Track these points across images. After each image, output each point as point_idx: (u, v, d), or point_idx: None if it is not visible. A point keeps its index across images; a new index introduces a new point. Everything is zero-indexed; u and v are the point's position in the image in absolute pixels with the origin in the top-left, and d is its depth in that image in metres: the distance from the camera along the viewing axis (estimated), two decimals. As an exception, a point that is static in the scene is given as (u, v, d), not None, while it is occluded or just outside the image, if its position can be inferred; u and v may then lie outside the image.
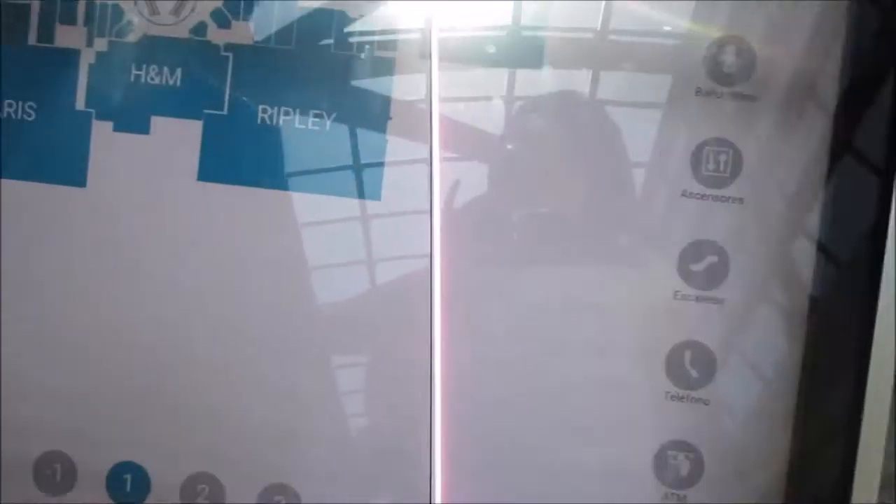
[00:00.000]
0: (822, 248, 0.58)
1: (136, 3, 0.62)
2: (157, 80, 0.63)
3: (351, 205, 0.61)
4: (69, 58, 0.63)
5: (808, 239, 0.58)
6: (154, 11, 0.62)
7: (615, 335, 0.60)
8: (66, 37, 0.63)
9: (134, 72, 0.63)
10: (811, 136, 0.58)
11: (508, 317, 0.61)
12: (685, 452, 0.59)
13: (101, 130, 0.63)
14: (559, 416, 0.61)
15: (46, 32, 0.63)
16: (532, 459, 0.61)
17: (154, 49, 0.62)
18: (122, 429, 0.64)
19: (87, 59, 0.63)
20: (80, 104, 0.63)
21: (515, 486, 0.61)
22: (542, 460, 0.61)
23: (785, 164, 0.58)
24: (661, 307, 0.59)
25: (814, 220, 0.58)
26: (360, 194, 0.61)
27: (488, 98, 0.60)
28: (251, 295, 0.63)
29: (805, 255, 0.58)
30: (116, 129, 0.63)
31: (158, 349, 0.64)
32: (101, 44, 0.63)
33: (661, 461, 0.60)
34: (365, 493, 0.62)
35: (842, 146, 0.57)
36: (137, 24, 0.62)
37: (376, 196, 0.61)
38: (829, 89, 0.58)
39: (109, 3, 0.62)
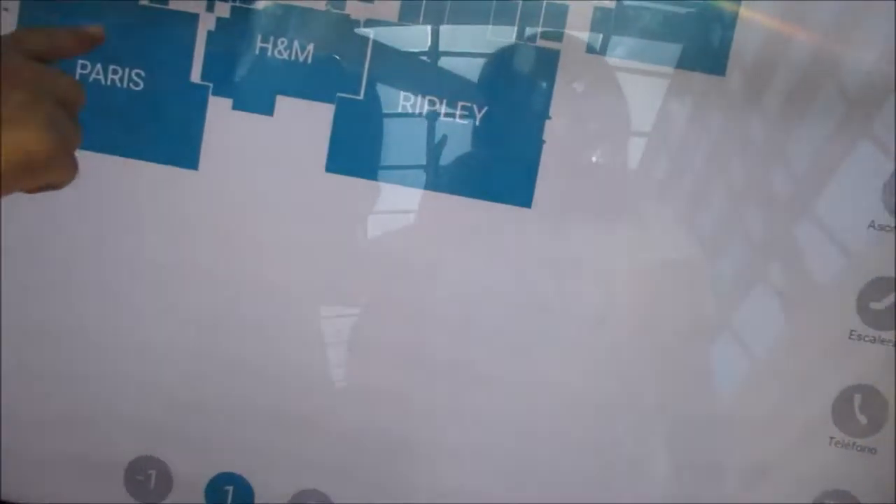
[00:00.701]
0: None
1: (266, -36, 0.55)
2: (285, 55, 0.55)
3: (497, 211, 0.55)
4: (186, 22, 0.55)
5: None
6: (286, -24, 0.55)
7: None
8: (182, 2, 0.55)
9: (259, 44, 0.55)
10: None
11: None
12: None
13: (219, 108, 0.56)
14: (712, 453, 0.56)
15: (161, -8, 0.56)
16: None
17: (285, 19, 0.55)
18: (224, 438, 0.59)
19: (206, 26, 0.55)
20: (196, 76, 0.56)
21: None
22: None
23: None
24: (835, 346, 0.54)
25: None
26: (510, 199, 0.55)
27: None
28: (371, 302, 0.58)
29: None
30: (236, 107, 0.56)
31: (265, 355, 0.58)
32: (223, 8, 0.55)
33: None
34: None
35: None
36: (267, -11, 0.55)
37: (527, 203, 0.55)
38: None
39: (235, -37, 0.55)
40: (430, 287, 0.57)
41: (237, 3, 0.55)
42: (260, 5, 0.55)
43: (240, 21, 0.55)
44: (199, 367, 0.59)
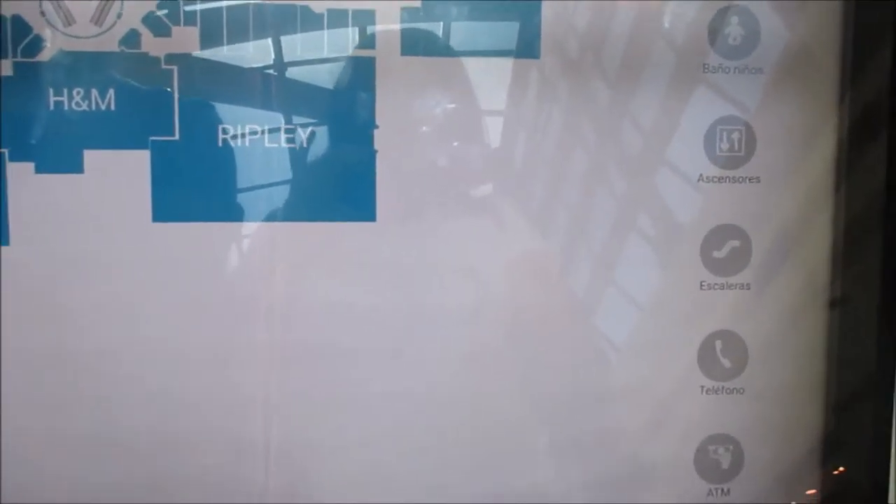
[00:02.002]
0: (846, 222, 0.56)
1: (42, 13, 0.50)
2: (84, 106, 0.51)
3: (343, 230, 0.53)
4: (-37, 87, 0.50)
5: (826, 212, 0.57)
6: (69, 21, 0.50)
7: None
8: (-44, 62, 0.50)
9: (53, 98, 0.51)
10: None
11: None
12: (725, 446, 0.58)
13: (20, 174, 0.51)
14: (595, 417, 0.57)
15: (-73, 58, 0.50)
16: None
17: (76, 68, 0.51)
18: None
19: (-12, 87, 0.51)
20: (-13, 144, 0.51)
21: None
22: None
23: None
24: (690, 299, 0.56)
25: (830, 194, 0.57)
26: (353, 215, 0.54)
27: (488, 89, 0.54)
28: (230, 347, 0.55)
29: (826, 230, 0.57)
30: (39, 170, 0.51)
31: (131, 430, 0.54)
32: (4, 66, 0.50)
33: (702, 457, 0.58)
34: None
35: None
36: (50, 38, 0.50)
37: (370, 216, 0.54)
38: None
39: (7, 15, 0.50)
40: (288, 322, 0.54)
41: (19, 59, 0.51)
42: (45, 56, 0.51)
43: (26, 76, 0.51)
44: (69, 450, 0.54)
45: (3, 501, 0.54)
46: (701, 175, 0.56)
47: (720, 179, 0.56)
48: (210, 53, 0.52)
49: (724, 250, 0.56)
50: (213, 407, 0.54)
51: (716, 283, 0.56)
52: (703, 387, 0.57)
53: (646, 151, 0.55)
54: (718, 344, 0.57)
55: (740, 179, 0.56)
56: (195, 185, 0.52)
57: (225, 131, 0.52)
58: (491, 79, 0.54)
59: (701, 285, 0.56)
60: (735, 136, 0.55)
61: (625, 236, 0.56)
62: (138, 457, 0.54)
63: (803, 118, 0.56)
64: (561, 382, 0.57)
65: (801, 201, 0.57)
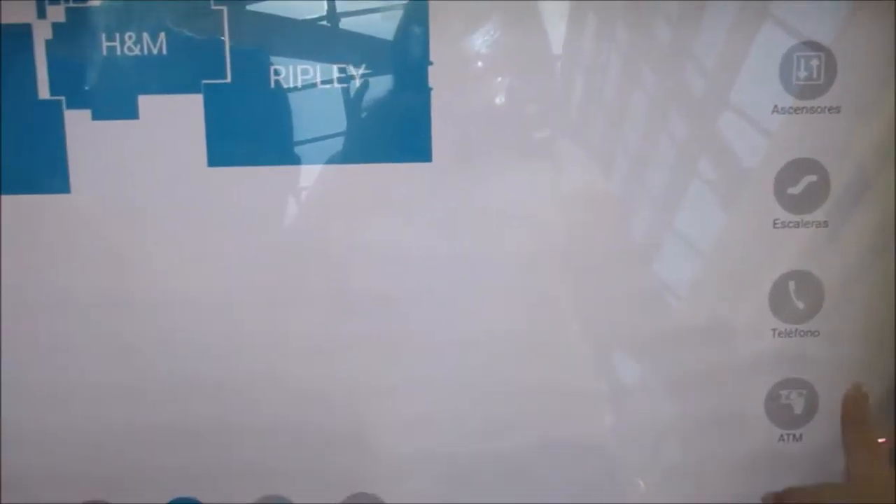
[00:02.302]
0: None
1: (91, -44, 0.50)
2: (136, 51, 0.51)
3: (399, 172, 0.52)
4: (18, 35, 0.50)
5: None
6: (118, -36, 0.50)
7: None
8: (10, 10, 0.50)
9: (106, 43, 0.51)
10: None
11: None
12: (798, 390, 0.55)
13: (77, 121, 0.51)
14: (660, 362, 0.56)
15: (-18, 6, 0.50)
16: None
17: (127, 11, 0.50)
18: (170, 467, 0.55)
19: (42, 34, 0.50)
20: (44, 92, 0.51)
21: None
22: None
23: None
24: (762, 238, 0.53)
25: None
26: (408, 156, 0.52)
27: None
28: (293, 294, 0.54)
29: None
30: (96, 117, 0.51)
31: (201, 374, 0.55)
32: (56, 12, 0.50)
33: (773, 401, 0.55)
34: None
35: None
36: (100, -18, 0.50)
37: (426, 157, 0.52)
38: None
39: (57, -41, 0.50)
40: (349, 267, 0.54)
41: (71, 4, 0.50)
42: (96, 1, 0.50)
43: (78, 22, 0.50)
44: (125, 396, 0.55)
45: (2, 502, 0.55)
46: (775, 106, 0.52)
47: (796, 110, 0.52)
48: (259, -6, 0.51)
49: (799, 186, 0.53)
50: (268, 352, 0.54)
51: (790, 221, 0.53)
52: (774, 329, 0.54)
53: (716, 81, 0.52)
54: (792, 285, 0.54)
55: (818, 110, 0.52)
56: (249, 129, 0.52)
57: (277, 73, 0.51)
58: (556, 12, 0.52)
59: (774, 223, 0.53)
60: (814, 63, 0.52)
61: (693, 173, 0.53)
62: (191, 400, 0.55)
63: (886, 43, 0.52)
64: (624, 327, 0.55)
65: (883, 133, 0.53)
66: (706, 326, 0.55)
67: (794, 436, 0.56)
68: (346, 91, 0.51)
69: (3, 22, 0.50)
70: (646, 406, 0.56)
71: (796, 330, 0.54)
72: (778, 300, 0.54)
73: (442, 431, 0.56)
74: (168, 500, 0.56)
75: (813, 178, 0.53)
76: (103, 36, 0.50)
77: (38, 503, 0.55)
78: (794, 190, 0.53)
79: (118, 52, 0.51)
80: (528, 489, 0.57)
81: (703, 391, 0.56)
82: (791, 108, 0.52)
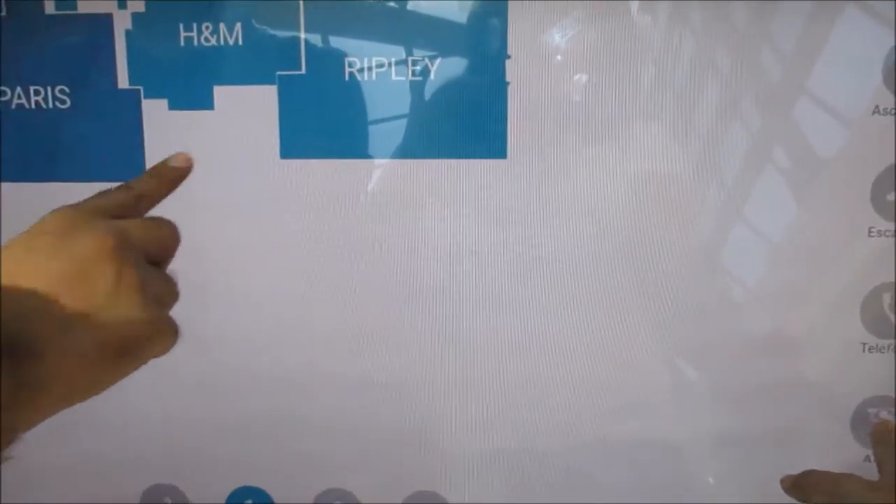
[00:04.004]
0: None
1: (171, -54, 0.50)
2: (213, 42, 0.51)
3: (471, 167, 0.51)
4: (99, 25, 0.51)
5: None
6: (197, -46, 0.50)
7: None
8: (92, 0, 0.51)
9: (184, 34, 0.51)
10: None
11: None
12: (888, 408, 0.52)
13: (155, 111, 0.52)
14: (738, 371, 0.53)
15: (66, -4, 0.51)
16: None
17: (204, 2, 0.50)
18: (234, 453, 0.56)
19: (122, 25, 0.51)
20: (123, 81, 0.51)
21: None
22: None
23: None
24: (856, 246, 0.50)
25: None
26: (482, 153, 0.51)
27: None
28: (363, 287, 0.54)
29: None
30: (173, 106, 0.52)
31: (261, 362, 0.55)
32: (136, 4, 0.51)
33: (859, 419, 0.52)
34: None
35: None
36: (179, -28, 0.50)
37: (501, 153, 0.51)
38: None
39: (139, -51, 0.50)
40: (419, 263, 0.53)
41: (151, -6, 0.50)
42: (175, -8, 0.50)
43: (157, 13, 0.51)
44: (197, 385, 0.56)
45: (2, 501, 0.56)
46: (877, 107, 0.49)
47: (900, 111, 0.49)
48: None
49: (899, 192, 0.50)
50: (336, 345, 0.54)
51: (887, 230, 0.50)
52: (865, 344, 0.51)
53: (813, 79, 0.49)
54: (887, 298, 0.51)
55: (924, 111, 0.49)
56: (322, 122, 0.51)
57: (351, 65, 0.50)
58: (635, 5, 0.49)
59: (869, 231, 0.50)
60: (921, 61, 0.48)
61: (782, 175, 0.50)
62: (259, 393, 0.55)
63: None
64: (699, 333, 0.53)
65: None
66: (790, 336, 0.52)
67: (882, 456, 0.52)
68: (420, 84, 0.50)
69: (85, 12, 0.51)
70: (716, 413, 0.54)
71: (889, 345, 0.51)
72: (870, 313, 0.51)
73: (504, 430, 0.55)
74: (234, 487, 0.56)
75: (914, 186, 0.49)
76: (181, 26, 0.51)
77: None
78: (893, 197, 0.50)
79: (195, 43, 0.51)
80: (590, 490, 0.55)
81: (782, 403, 0.53)
82: (893, 109, 0.49)
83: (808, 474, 0.43)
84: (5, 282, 0.26)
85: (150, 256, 0.31)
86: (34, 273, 0.26)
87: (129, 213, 0.32)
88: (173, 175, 0.35)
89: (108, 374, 0.28)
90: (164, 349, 0.30)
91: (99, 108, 0.52)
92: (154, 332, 0.29)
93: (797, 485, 0.41)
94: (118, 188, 0.33)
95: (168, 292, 0.31)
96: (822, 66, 0.49)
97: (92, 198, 0.32)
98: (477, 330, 0.54)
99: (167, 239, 0.32)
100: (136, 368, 0.29)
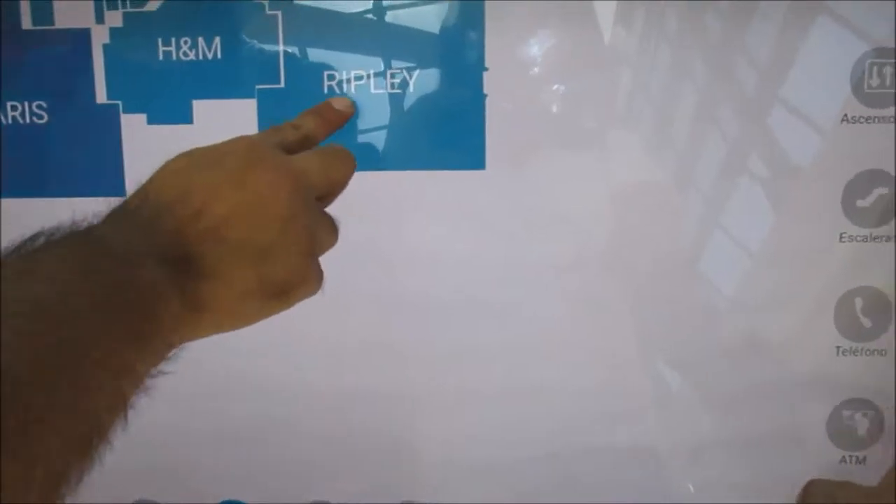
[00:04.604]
0: None
1: (149, -39, 0.50)
2: (192, 56, 0.51)
3: (450, 178, 0.51)
4: (77, 40, 0.51)
5: None
6: (175, -31, 0.50)
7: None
8: (69, 14, 0.51)
9: (162, 48, 0.51)
10: None
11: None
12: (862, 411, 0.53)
13: (134, 125, 0.52)
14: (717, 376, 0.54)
15: (42, 11, 0.51)
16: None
17: (183, 16, 0.50)
18: (218, 465, 0.56)
19: (99, 39, 0.51)
20: (101, 96, 0.51)
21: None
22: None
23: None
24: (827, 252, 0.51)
25: None
26: (461, 164, 0.51)
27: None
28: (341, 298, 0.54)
29: None
30: (152, 121, 0.52)
31: (244, 371, 0.55)
32: (114, 17, 0.51)
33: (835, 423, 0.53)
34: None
35: None
36: (157, -13, 0.50)
37: (480, 164, 0.51)
38: None
39: (116, -36, 0.50)
40: (400, 274, 0.53)
41: (128, 9, 0.50)
42: (153, 6, 0.50)
43: (135, 27, 0.51)
44: (181, 398, 0.55)
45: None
46: (845, 115, 0.50)
47: (868, 119, 0.50)
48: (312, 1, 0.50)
49: (869, 199, 0.51)
50: (319, 356, 0.54)
51: (858, 235, 0.51)
52: (839, 347, 0.52)
53: (782, 87, 0.50)
54: (858, 301, 0.52)
55: (892, 120, 0.50)
56: (302, 135, 0.51)
57: (330, 78, 0.51)
58: (607, 12, 0.50)
59: (840, 237, 0.51)
60: (887, 70, 0.49)
61: (755, 182, 0.51)
62: (239, 403, 0.55)
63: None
64: (677, 337, 0.54)
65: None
66: (765, 341, 0.53)
67: (857, 458, 0.53)
68: (399, 97, 0.51)
69: (63, 26, 0.51)
70: (697, 418, 0.55)
71: (862, 348, 0.52)
72: (843, 317, 0.52)
73: (491, 440, 0.55)
74: (217, 501, 0.56)
75: (884, 190, 0.50)
76: (160, 41, 0.51)
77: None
78: (864, 202, 0.51)
79: (174, 57, 0.51)
80: (580, 498, 0.55)
81: (759, 407, 0.54)
82: (862, 117, 0.50)
83: (810, 484, 0.44)
84: (192, 191, 0.26)
85: (322, 193, 0.31)
86: (217, 194, 0.27)
87: (296, 152, 0.32)
88: (337, 118, 0.36)
89: (259, 311, 0.29)
90: (309, 295, 0.31)
91: (77, 123, 0.52)
92: (308, 279, 0.30)
93: (802, 494, 0.42)
94: (286, 126, 0.33)
95: (328, 238, 0.32)
96: (795, 74, 0.50)
97: (266, 132, 0.32)
98: (460, 339, 0.54)
99: (341, 173, 0.33)
100: (282, 311, 0.30)
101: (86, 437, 0.22)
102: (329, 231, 0.32)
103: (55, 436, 0.20)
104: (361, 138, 0.51)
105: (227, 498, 0.56)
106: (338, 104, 0.35)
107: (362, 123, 0.51)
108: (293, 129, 0.33)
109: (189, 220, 0.26)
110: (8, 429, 0.18)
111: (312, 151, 0.32)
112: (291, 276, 0.29)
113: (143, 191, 0.28)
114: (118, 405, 0.24)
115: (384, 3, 0.50)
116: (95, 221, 0.26)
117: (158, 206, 0.26)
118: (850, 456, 0.53)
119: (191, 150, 0.29)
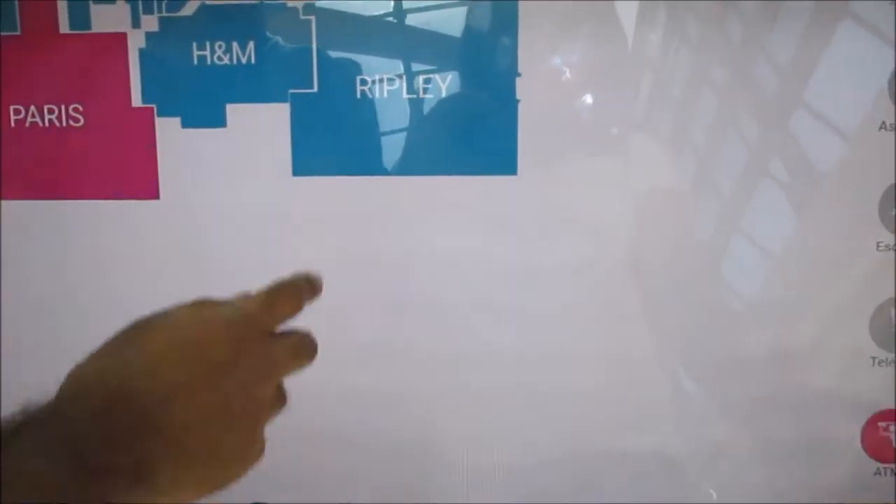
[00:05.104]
0: None
1: (185, -33, 0.50)
2: (226, 60, 0.51)
3: (481, 184, 0.51)
4: (113, 44, 0.51)
5: None
6: (211, -26, 0.50)
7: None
8: (106, 18, 0.51)
9: (197, 52, 0.51)
10: None
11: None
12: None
13: (168, 129, 0.52)
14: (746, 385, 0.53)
15: (80, 15, 0.51)
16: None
17: (218, 20, 0.51)
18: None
19: (135, 44, 0.51)
20: (137, 100, 0.52)
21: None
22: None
23: None
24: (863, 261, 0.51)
25: None
26: (492, 169, 0.51)
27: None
28: (369, 301, 0.54)
29: None
30: (186, 124, 0.52)
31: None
32: (150, 22, 0.51)
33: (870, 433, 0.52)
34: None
35: None
36: (193, -8, 0.51)
37: (511, 170, 0.51)
38: None
39: (153, -31, 0.50)
40: (430, 278, 0.53)
41: (164, 14, 0.51)
42: (189, 10, 0.51)
43: (171, 32, 0.51)
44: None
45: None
46: (883, 123, 0.49)
47: (907, 127, 0.49)
48: (348, 3, 0.50)
49: (906, 207, 0.50)
50: (341, 358, 0.54)
51: (895, 244, 0.50)
52: (874, 358, 0.51)
53: (821, 96, 0.49)
54: (895, 312, 0.51)
55: (931, 127, 0.49)
56: (334, 139, 0.52)
57: (363, 82, 0.51)
58: (634, 18, 0.50)
59: (877, 246, 0.50)
60: (927, 77, 0.48)
61: (789, 191, 0.50)
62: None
63: None
64: (708, 345, 0.53)
65: None
66: (799, 350, 0.52)
67: (892, 470, 0.53)
68: (431, 102, 0.51)
69: (99, 31, 0.51)
70: (727, 426, 0.54)
71: (895, 359, 0.51)
72: (879, 327, 0.51)
73: (508, 443, 0.55)
74: (245, 502, 0.56)
75: (920, 200, 0.50)
76: (194, 45, 0.51)
77: None
78: (899, 212, 0.50)
79: (208, 61, 0.51)
80: (594, 499, 0.55)
81: (791, 416, 0.53)
82: (897, 125, 0.49)
83: None
84: (153, 387, 0.26)
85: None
86: (185, 396, 0.27)
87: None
88: (313, 291, 0.36)
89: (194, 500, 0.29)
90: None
91: (112, 126, 0.52)
92: (249, 468, 0.30)
93: None
94: (257, 298, 0.34)
95: (274, 416, 0.33)
96: (833, 82, 0.49)
97: (237, 301, 0.33)
98: (486, 343, 0.54)
99: (306, 362, 0.34)
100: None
101: None
102: (278, 413, 0.33)
103: None
104: (392, 142, 0.51)
105: (252, 500, 0.56)
106: (310, 280, 0.36)
107: (394, 128, 0.51)
108: (265, 305, 0.34)
109: (150, 420, 0.26)
110: None
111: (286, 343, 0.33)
112: (235, 480, 0.29)
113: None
114: None
115: (416, 6, 0.50)
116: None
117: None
118: (885, 468, 0.53)
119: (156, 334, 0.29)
